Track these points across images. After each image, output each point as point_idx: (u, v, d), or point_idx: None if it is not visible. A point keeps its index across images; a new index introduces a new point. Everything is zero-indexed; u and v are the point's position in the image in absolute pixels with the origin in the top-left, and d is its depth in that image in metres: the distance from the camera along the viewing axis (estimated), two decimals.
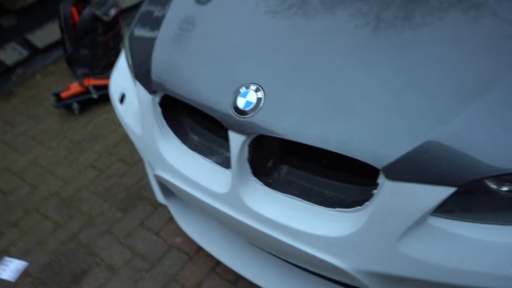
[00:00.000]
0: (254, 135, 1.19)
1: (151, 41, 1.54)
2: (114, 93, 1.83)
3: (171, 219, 2.23)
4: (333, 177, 1.26)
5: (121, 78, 1.85)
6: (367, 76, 1.10)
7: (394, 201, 1.01)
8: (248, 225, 1.28)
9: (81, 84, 3.17)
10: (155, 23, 1.61)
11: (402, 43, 1.12)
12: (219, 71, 1.32)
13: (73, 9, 3.41)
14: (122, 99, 1.77)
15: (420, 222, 1.00)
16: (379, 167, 1.00)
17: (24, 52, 3.86)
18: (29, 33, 3.91)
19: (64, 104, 3.16)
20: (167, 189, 1.85)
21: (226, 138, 1.27)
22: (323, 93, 1.12)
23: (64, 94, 3.15)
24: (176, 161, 1.47)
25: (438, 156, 0.96)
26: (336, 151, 1.05)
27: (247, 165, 1.24)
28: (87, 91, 3.16)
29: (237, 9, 1.46)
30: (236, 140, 1.21)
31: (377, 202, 1.04)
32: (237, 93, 1.22)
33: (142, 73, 1.52)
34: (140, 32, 1.68)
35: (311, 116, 1.11)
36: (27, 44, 3.88)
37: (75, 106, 3.14)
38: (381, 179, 1.03)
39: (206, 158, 1.42)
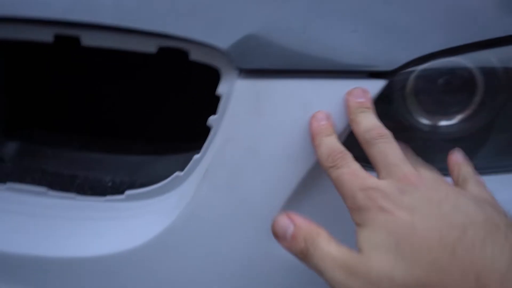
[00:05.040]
0: None
1: None
2: None
3: None
4: (111, 148, 0.62)
5: None
6: None
7: (259, 127, 0.44)
8: None
9: None
10: None
11: None
12: None
13: None
14: None
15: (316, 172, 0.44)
16: (223, 46, 0.44)
17: None
18: None
19: None
20: None
21: None
22: None
23: None
24: None
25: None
26: (126, 25, 0.45)
27: None
28: None
29: None
30: None
31: (218, 143, 0.45)
32: None
33: None
34: None
35: None
36: None
37: None
38: (224, 84, 0.45)
39: None
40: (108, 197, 0.51)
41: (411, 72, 0.48)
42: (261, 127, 0.43)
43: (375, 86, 0.44)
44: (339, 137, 0.43)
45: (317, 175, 0.43)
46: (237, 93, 0.44)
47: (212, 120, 0.46)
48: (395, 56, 0.45)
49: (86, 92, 0.71)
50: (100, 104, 0.71)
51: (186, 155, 0.59)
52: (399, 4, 0.48)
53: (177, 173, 0.49)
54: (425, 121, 0.51)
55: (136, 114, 0.70)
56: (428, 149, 0.53)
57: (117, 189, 0.57)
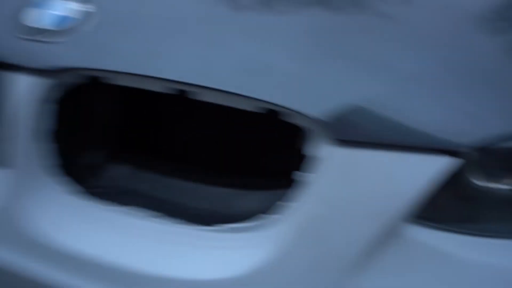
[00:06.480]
0: (68, 77, 0.60)
1: None
2: None
3: None
4: (212, 181, 0.69)
5: None
6: None
7: (348, 191, 0.49)
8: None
9: None
10: None
11: None
12: None
13: None
14: None
15: (392, 232, 0.49)
16: (321, 118, 0.49)
17: None
18: None
19: None
20: None
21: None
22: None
23: None
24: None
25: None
26: (231, 90, 0.52)
27: (43, 148, 0.61)
28: None
29: None
30: (25, 88, 0.60)
31: (312, 198, 0.51)
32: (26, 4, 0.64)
33: None
34: None
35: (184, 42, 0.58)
36: None
37: None
38: (315, 147, 0.51)
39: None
40: (214, 227, 0.58)
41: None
42: (353, 192, 0.49)
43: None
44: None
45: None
46: (331, 159, 0.49)
47: (300, 176, 0.52)
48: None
49: (192, 125, 0.79)
50: (202, 138, 0.78)
51: (271, 193, 0.65)
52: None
53: (273, 216, 0.55)
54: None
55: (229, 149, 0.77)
56: None
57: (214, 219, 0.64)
